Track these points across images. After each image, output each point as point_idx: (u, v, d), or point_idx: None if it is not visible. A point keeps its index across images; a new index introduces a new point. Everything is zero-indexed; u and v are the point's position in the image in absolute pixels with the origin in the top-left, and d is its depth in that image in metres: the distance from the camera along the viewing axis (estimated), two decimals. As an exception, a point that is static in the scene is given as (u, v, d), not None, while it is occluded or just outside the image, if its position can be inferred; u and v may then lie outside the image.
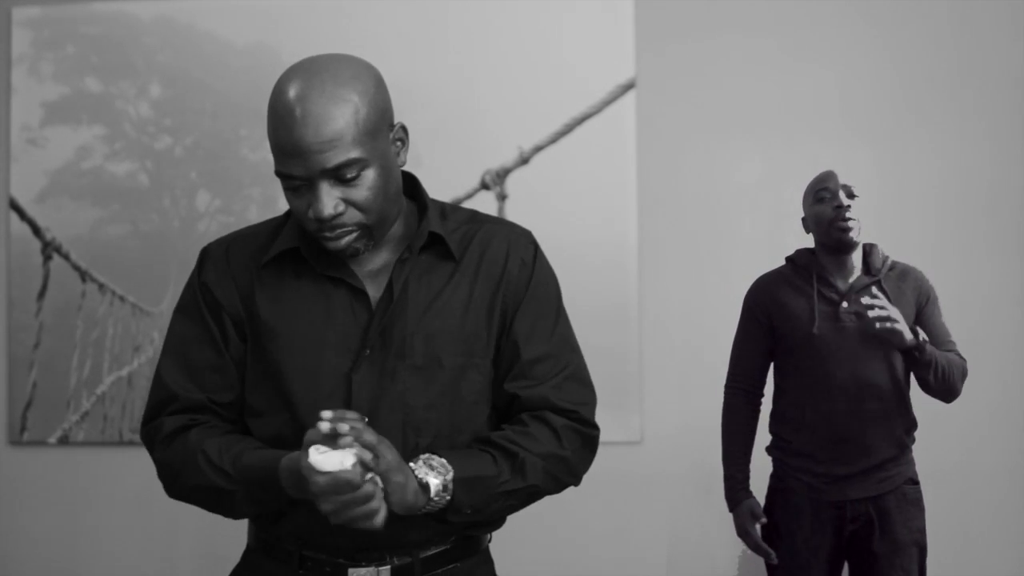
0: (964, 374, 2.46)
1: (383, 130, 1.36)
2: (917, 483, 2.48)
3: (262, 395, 1.44)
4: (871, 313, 2.26)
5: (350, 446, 1.21)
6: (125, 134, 3.56)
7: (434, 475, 1.32)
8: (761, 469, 2.60)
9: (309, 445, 1.22)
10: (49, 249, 3.55)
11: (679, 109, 3.37)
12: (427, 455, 1.34)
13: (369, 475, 1.22)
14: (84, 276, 3.54)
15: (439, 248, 1.46)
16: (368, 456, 1.22)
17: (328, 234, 1.36)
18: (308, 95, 1.29)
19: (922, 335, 2.34)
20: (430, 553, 1.44)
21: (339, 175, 1.32)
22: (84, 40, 3.58)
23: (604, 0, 3.38)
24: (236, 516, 1.43)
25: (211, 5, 3.54)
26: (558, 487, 1.47)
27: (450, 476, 1.33)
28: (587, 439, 1.48)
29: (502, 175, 3.39)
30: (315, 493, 1.21)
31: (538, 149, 3.38)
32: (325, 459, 1.20)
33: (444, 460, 1.34)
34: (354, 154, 1.31)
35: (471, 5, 3.43)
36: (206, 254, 1.51)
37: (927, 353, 2.34)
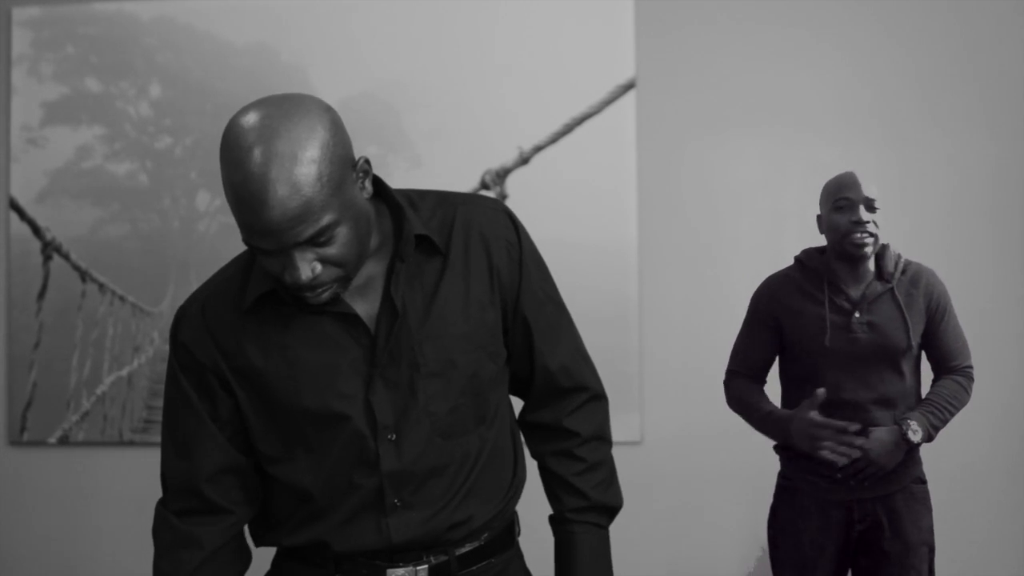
0: (967, 394, 2.48)
1: (348, 177, 1.29)
2: (924, 482, 2.46)
3: (275, 442, 1.42)
4: (859, 477, 2.36)
5: None
6: (125, 134, 3.56)
7: None
8: (769, 467, 2.60)
9: None
10: (49, 249, 3.55)
11: (679, 109, 3.37)
12: None
13: None
14: (84, 276, 3.54)
15: (422, 245, 1.42)
16: None
17: (308, 294, 1.32)
18: (267, 173, 1.20)
19: (912, 432, 2.34)
20: (465, 550, 1.45)
21: (312, 241, 1.26)
22: (84, 40, 3.58)
23: (604, 0, 3.38)
24: None
25: (211, 5, 3.54)
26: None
27: None
28: (607, 415, 1.63)
29: (502, 175, 3.39)
30: None
31: (538, 149, 3.38)
32: None
33: None
34: (325, 220, 1.24)
35: (471, 5, 3.43)
36: (182, 314, 1.46)
37: (932, 438, 2.40)
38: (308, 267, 1.27)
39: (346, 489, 1.39)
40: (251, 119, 1.23)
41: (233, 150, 1.22)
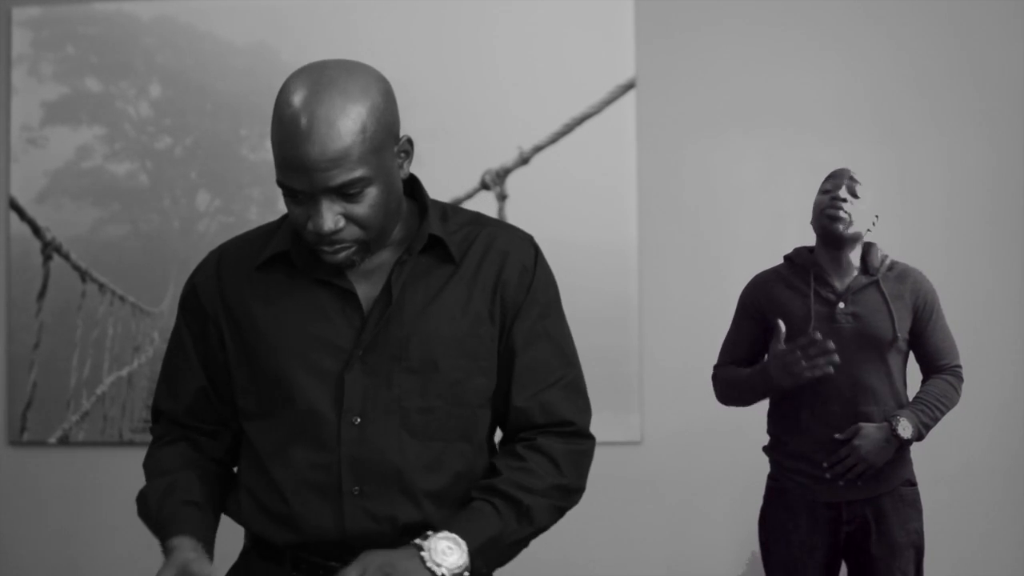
0: (957, 394, 2.49)
1: (389, 145, 1.34)
2: (914, 484, 2.47)
3: (253, 398, 1.46)
4: (849, 476, 2.37)
5: None
6: (125, 134, 3.56)
7: (451, 557, 1.29)
8: (760, 469, 2.61)
9: None
10: (49, 249, 3.55)
11: (679, 109, 3.37)
12: (433, 537, 1.30)
13: None
14: (84, 276, 3.54)
15: (439, 250, 1.44)
16: None
17: (326, 248, 1.35)
18: (315, 111, 1.27)
19: (902, 427, 2.36)
20: None
21: (342, 192, 1.31)
22: (84, 40, 3.59)
23: (604, 0, 3.38)
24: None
25: (211, 5, 3.54)
26: (560, 515, 1.46)
27: (465, 552, 1.30)
28: (584, 454, 1.48)
29: (502, 175, 3.39)
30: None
31: (538, 149, 3.38)
32: None
33: (455, 536, 1.30)
34: (358, 173, 1.29)
35: (471, 5, 3.44)
36: (204, 259, 1.55)
37: (922, 436, 2.41)
38: (332, 218, 1.32)
39: (304, 464, 1.40)
40: (313, 71, 1.32)
41: (290, 91, 1.30)
